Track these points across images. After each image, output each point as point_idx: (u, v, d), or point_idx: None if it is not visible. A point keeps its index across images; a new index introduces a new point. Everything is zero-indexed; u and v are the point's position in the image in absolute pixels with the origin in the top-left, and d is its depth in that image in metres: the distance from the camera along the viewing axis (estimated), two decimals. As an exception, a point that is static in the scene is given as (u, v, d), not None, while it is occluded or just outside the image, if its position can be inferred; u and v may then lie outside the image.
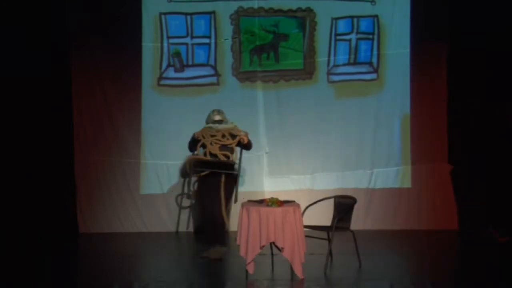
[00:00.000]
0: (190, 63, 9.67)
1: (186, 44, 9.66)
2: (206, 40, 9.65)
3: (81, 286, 6.75)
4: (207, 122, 8.14)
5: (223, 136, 7.96)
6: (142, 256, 8.18)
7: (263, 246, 6.72)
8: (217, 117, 8.10)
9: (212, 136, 7.94)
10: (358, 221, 9.10)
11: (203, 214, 8.02)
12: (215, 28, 9.62)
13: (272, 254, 7.36)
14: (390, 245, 8.73)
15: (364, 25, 9.70)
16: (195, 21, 9.63)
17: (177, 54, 9.63)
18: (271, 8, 9.63)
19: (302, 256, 6.71)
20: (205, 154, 7.94)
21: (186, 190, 8.09)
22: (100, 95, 9.51)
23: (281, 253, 6.79)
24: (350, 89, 9.69)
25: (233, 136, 7.99)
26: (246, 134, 8.05)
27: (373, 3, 9.63)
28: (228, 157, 7.93)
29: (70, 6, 9.36)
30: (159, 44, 9.61)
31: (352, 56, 9.70)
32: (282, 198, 7.01)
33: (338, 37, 9.69)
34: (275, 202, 6.76)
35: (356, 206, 7.45)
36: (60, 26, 9.27)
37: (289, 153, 9.66)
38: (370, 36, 9.69)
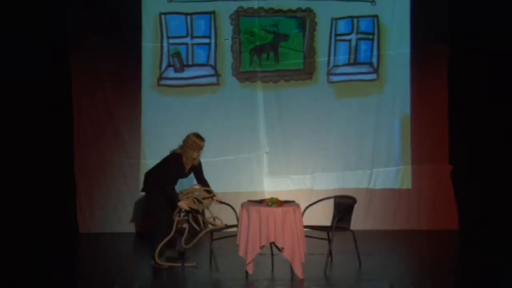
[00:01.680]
0: (190, 63, 9.67)
1: (186, 44, 9.65)
2: (206, 40, 9.65)
3: (81, 286, 6.75)
4: (191, 146, 7.36)
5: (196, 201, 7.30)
6: (142, 256, 8.18)
7: (263, 246, 6.72)
8: (203, 143, 7.44)
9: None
10: (358, 221, 9.09)
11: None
12: (215, 28, 9.62)
13: (272, 254, 7.37)
14: (390, 245, 8.73)
15: (364, 25, 9.69)
16: (195, 21, 9.62)
17: (177, 54, 9.63)
18: (271, 8, 9.63)
19: (302, 256, 6.71)
20: (196, 222, 7.24)
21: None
22: (100, 95, 9.51)
23: (281, 253, 6.79)
24: (350, 89, 9.68)
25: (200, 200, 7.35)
26: (214, 195, 7.45)
27: (373, 3, 9.63)
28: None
29: (70, 6, 9.36)
30: (159, 44, 9.61)
31: (352, 56, 9.69)
32: (282, 198, 7.02)
33: (338, 37, 9.69)
34: (275, 202, 6.76)
35: (356, 206, 7.45)
36: (60, 26, 9.27)
37: (289, 153, 9.66)
38: (370, 36, 9.68)
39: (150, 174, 7.63)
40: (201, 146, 7.41)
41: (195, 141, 7.39)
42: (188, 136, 7.45)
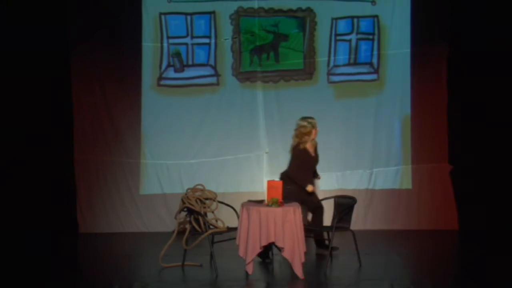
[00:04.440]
0: (190, 63, 9.67)
1: (186, 44, 9.65)
2: (206, 40, 9.64)
3: (81, 286, 6.75)
4: (304, 130, 7.92)
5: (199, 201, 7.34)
6: (142, 256, 8.18)
7: (263, 246, 6.72)
8: (314, 121, 8.02)
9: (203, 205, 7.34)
10: (358, 221, 9.10)
11: None
12: (215, 28, 9.62)
13: (272, 254, 7.37)
14: (390, 245, 8.72)
15: (364, 25, 9.69)
16: (195, 21, 9.62)
17: (177, 54, 9.63)
18: (271, 8, 9.63)
19: (302, 256, 6.71)
20: (198, 223, 7.25)
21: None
22: (100, 95, 9.51)
23: (281, 253, 6.79)
24: (350, 89, 9.68)
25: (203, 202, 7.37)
26: (215, 197, 7.48)
27: (373, 3, 9.63)
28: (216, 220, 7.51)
29: (70, 6, 9.37)
30: (159, 44, 9.61)
31: (352, 57, 9.69)
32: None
33: (338, 37, 9.69)
34: (275, 202, 6.75)
35: (356, 206, 7.46)
36: (60, 26, 9.27)
37: (289, 153, 9.63)
38: (370, 37, 9.68)
39: (286, 174, 7.89)
40: (314, 124, 7.91)
41: (302, 124, 7.89)
42: (297, 124, 7.93)
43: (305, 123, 7.92)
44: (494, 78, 9.16)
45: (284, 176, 7.82)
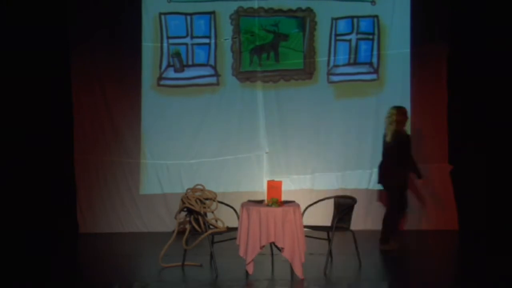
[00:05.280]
0: (190, 63, 9.67)
1: (186, 44, 9.66)
2: (206, 40, 9.65)
3: (81, 286, 6.75)
4: (402, 116, 8.29)
5: (198, 201, 7.34)
6: (142, 256, 8.19)
7: (263, 246, 6.72)
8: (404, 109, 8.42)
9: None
10: (358, 221, 9.10)
11: None
12: (215, 28, 9.62)
13: (272, 254, 7.38)
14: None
15: (364, 25, 9.70)
16: (195, 21, 9.63)
17: (177, 54, 9.63)
18: (271, 8, 9.64)
19: (302, 256, 6.71)
20: (198, 223, 7.23)
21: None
22: (100, 95, 9.52)
23: (281, 253, 6.79)
24: (350, 89, 9.69)
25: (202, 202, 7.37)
26: (215, 197, 7.46)
27: (373, 3, 9.63)
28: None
29: (70, 6, 9.37)
30: (159, 44, 9.61)
31: (352, 56, 9.70)
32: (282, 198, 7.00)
33: (338, 37, 9.69)
34: (275, 202, 6.75)
35: (356, 206, 7.45)
36: (60, 26, 9.27)
37: (289, 153, 9.66)
38: (370, 36, 9.68)
39: (386, 164, 8.29)
40: (405, 113, 8.34)
41: (394, 113, 8.23)
42: (393, 114, 8.24)
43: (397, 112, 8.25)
44: (494, 78, 9.16)
45: (391, 165, 8.21)
